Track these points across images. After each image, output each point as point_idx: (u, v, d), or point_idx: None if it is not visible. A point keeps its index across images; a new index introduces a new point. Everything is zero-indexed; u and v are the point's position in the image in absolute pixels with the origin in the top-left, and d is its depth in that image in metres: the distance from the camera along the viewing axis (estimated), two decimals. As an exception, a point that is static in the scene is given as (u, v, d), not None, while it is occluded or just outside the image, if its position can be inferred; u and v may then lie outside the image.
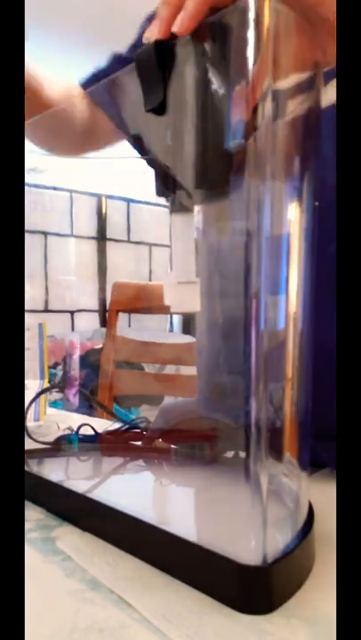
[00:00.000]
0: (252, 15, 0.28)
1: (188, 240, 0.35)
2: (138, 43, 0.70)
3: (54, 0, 2.19)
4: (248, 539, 0.29)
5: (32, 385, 0.65)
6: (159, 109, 0.33)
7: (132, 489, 0.46)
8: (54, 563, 0.34)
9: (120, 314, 1.07)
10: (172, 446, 0.51)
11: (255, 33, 0.28)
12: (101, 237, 2.94)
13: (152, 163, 0.35)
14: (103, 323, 3.34)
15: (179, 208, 0.35)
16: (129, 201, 2.58)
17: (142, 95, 0.33)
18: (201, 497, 0.43)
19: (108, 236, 2.75)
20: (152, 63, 0.32)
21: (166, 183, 0.35)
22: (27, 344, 0.64)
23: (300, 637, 0.26)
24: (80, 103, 0.72)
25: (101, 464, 0.53)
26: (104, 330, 1.10)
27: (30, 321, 0.65)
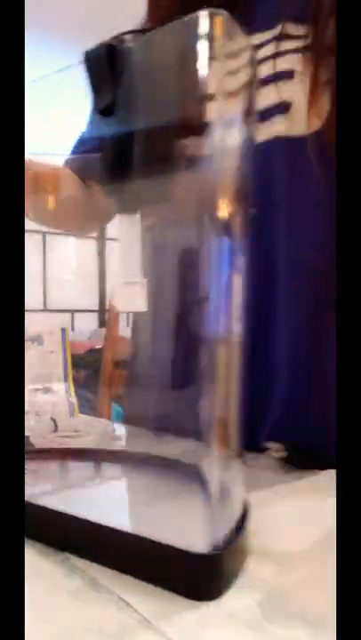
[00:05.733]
0: (204, 28, 0.30)
1: (134, 240, 0.35)
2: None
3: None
4: (197, 529, 0.31)
5: (57, 388, 0.66)
6: (107, 111, 0.33)
7: (85, 492, 0.46)
8: (54, 563, 0.34)
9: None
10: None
11: (203, 44, 0.30)
12: (101, 237, 2.94)
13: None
14: (102, 323, 3.33)
15: (125, 208, 0.35)
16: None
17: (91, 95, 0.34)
18: (152, 493, 0.44)
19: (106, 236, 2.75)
20: (103, 64, 0.32)
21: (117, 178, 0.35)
22: (50, 347, 0.65)
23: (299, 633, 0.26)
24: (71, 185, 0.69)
25: (49, 469, 0.53)
26: (103, 330, 1.10)
27: (52, 327, 0.66)
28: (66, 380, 0.66)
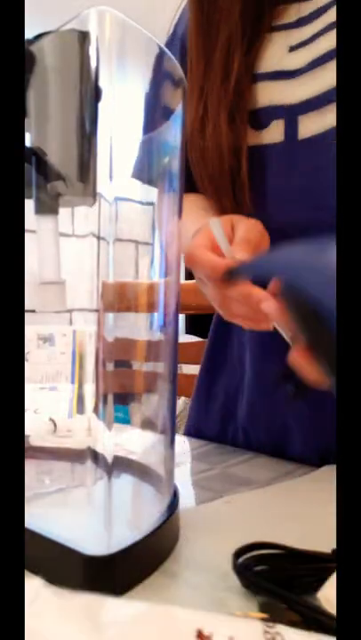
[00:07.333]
0: (93, 29, 0.30)
1: (53, 241, 0.36)
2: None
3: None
4: (97, 531, 0.32)
5: (64, 389, 0.65)
6: None
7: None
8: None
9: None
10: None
11: (96, 45, 0.31)
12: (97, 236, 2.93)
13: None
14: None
15: (45, 209, 0.35)
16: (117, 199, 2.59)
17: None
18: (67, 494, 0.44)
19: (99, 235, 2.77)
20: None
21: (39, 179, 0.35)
22: (62, 348, 0.65)
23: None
24: None
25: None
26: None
27: (66, 328, 0.66)
28: (73, 381, 0.66)
